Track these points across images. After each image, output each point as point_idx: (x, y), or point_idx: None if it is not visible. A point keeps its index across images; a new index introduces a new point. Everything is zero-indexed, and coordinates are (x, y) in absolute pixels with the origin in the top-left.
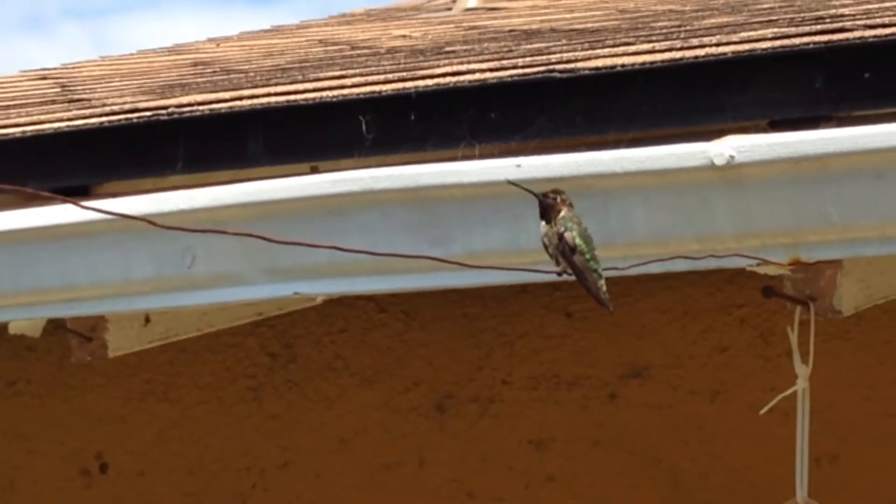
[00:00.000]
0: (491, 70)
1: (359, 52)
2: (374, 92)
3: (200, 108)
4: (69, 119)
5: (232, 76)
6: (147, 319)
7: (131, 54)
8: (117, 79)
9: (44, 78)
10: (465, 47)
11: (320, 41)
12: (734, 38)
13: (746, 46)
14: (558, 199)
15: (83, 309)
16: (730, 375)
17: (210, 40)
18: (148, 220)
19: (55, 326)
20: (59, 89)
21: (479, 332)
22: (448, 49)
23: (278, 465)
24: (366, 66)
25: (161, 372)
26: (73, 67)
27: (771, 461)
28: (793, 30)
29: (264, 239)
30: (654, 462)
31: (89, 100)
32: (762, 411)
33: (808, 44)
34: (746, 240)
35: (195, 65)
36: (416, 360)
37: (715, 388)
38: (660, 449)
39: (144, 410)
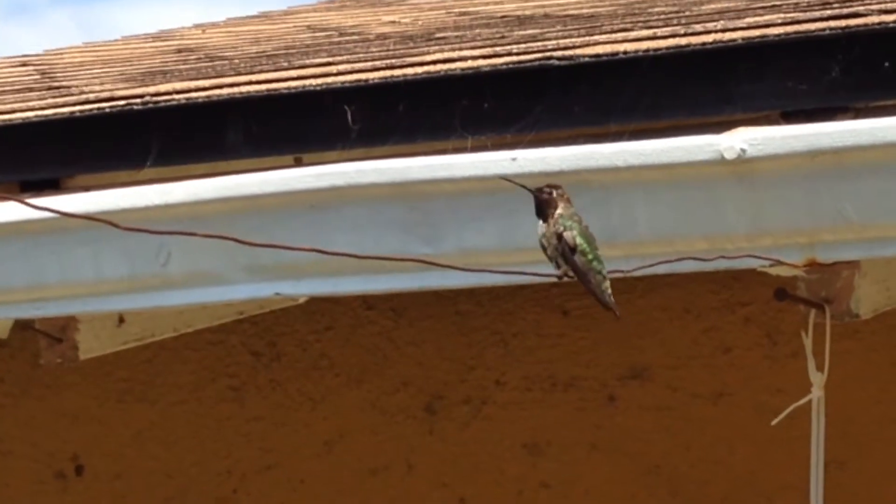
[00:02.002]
0: (484, 57)
1: (347, 38)
2: (360, 80)
3: (177, 97)
4: (40, 108)
5: (216, 63)
6: (121, 319)
7: (115, 41)
8: (99, 66)
9: (24, 65)
10: (456, 33)
11: (308, 27)
12: (741, 23)
13: (757, 32)
14: (554, 195)
15: (52, 309)
16: (734, 377)
17: (196, 26)
18: (111, 222)
19: (28, 324)
20: (38, 76)
21: (472, 330)
22: (439, 35)
23: (260, 468)
24: (353, 53)
25: (139, 370)
26: (55, 54)
27: (777, 467)
28: (801, 15)
29: (238, 241)
30: (654, 468)
31: (68, 87)
32: (774, 422)
33: (823, 29)
34: (758, 239)
35: (179, 51)
36: (404, 360)
37: (718, 390)
38: (660, 454)
39: (122, 410)
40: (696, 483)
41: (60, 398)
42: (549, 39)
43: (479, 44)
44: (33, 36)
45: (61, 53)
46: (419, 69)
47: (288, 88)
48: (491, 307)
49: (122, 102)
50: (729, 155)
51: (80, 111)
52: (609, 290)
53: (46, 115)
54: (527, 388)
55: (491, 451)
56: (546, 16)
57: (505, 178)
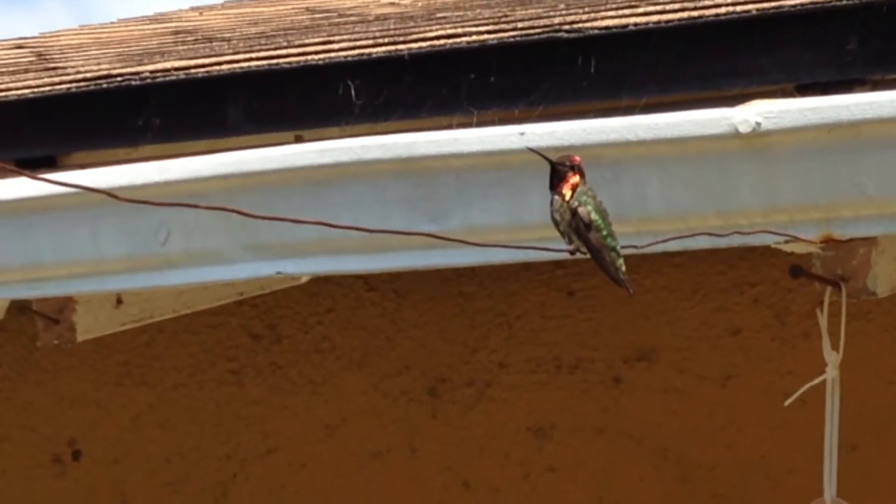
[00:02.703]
0: (490, 32)
1: (346, 19)
2: (363, 55)
3: (176, 73)
4: (36, 86)
5: (214, 44)
6: (119, 300)
7: (111, 23)
8: (95, 47)
9: (20, 47)
10: (457, 13)
11: (307, 9)
12: None
13: (772, 3)
14: (572, 169)
15: (49, 289)
16: (742, 359)
17: (193, 9)
18: (110, 193)
19: (25, 305)
20: (34, 58)
21: (475, 311)
22: (440, 15)
23: (261, 452)
24: (354, 33)
25: (137, 353)
26: (51, 36)
27: (786, 451)
28: None
29: (242, 213)
30: (661, 451)
31: (64, 68)
32: (787, 402)
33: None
34: (773, 215)
35: (176, 33)
36: (407, 342)
37: (727, 372)
38: (667, 437)
39: (120, 394)
40: (704, 467)
41: (57, 382)
42: (555, 16)
43: (482, 21)
44: (29, 25)
45: (57, 36)
46: (423, 44)
47: (289, 63)
48: (495, 288)
49: (119, 79)
50: (743, 128)
51: (77, 88)
52: (623, 268)
53: (42, 92)
54: (531, 371)
55: (495, 434)
56: None
57: (533, 150)
